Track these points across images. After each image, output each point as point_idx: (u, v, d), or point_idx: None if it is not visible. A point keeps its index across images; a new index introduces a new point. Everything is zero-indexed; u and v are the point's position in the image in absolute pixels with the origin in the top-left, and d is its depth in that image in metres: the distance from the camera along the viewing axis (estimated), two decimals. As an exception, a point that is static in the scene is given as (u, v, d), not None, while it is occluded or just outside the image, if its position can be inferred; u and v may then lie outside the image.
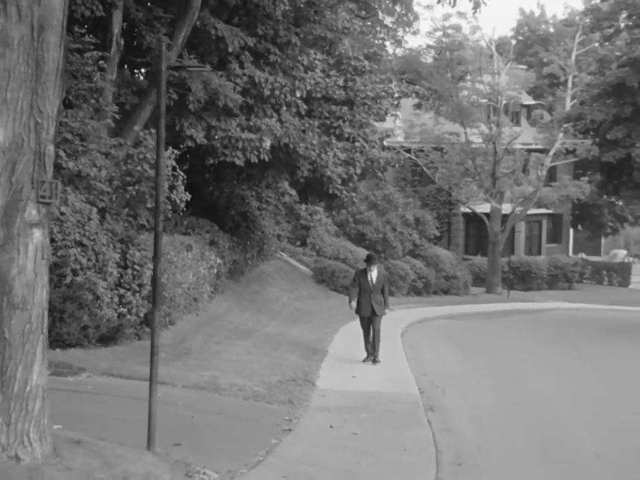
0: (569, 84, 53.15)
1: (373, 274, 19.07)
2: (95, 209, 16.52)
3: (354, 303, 19.14)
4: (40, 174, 7.78)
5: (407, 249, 46.50)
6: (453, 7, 19.26)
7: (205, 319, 22.60)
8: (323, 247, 41.50)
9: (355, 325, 21.33)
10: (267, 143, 24.49)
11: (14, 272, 7.62)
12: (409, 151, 51.76)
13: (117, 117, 19.89)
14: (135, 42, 24.00)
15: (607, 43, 42.28)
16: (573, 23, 57.13)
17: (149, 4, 23.64)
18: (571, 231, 73.18)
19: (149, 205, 17.78)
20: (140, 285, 17.40)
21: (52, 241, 15.24)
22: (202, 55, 24.20)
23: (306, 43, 26.73)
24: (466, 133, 50.31)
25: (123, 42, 22.32)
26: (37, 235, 7.76)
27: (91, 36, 19.40)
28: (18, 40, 7.56)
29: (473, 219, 58.11)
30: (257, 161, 24.53)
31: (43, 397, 7.86)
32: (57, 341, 15.10)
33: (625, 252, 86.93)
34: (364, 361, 18.96)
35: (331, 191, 28.10)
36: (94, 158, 17.68)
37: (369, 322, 19.08)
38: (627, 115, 35.43)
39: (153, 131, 18.84)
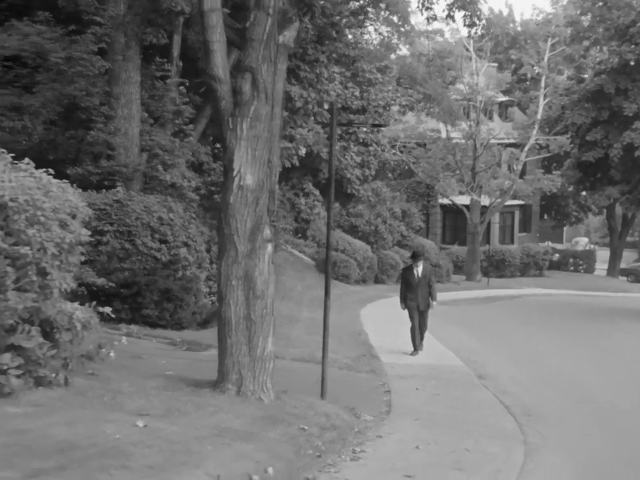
0: (542, 84, 56.94)
1: (419, 269, 19.84)
2: (193, 215, 19.92)
3: (403, 305, 20.05)
4: (271, 205, 11.26)
5: (395, 240, 50.00)
6: (448, 23, 22.63)
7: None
8: (323, 239, 44.89)
9: (370, 309, 24.68)
10: (302, 151, 27.95)
11: (256, 273, 11.10)
12: (393, 146, 55.29)
13: (192, 133, 23.21)
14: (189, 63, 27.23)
15: (583, 52, 46.02)
16: (546, 26, 60.80)
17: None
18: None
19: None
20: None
21: (166, 242, 18.64)
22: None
23: (330, 59, 30.15)
24: (447, 131, 54.00)
25: (181, 64, 25.57)
26: (269, 247, 11.26)
27: (170, 64, 22.71)
28: (264, 115, 10.99)
29: (449, 211, 61.86)
30: (290, 166, 27.87)
31: (272, 359, 11.35)
32: (176, 324, 18.47)
33: (586, 240, 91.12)
34: (412, 354, 19.81)
35: (349, 191, 31.59)
36: (182, 170, 21.03)
37: (418, 315, 19.89)
38: (604, 118, 39.26)
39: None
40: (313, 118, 29.10)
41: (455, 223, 63.62)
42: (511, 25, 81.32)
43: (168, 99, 22.14)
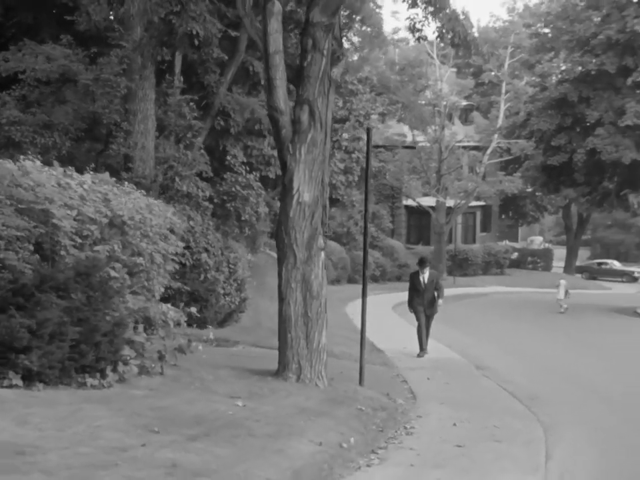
0: (503, 89, 59.30)
1: (425, 275, 20.66)
2: (211, 222, 21.67)
3: (411, 308, 21.03)
4: (324, 218, 13.09)
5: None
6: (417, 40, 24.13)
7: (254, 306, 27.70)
8: (298, 241, 46.68)
9: (354, 308, 26.68)
10: (295, 160, 29.67)
11: (312, 277, 12.94)
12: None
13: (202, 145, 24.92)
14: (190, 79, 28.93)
15: (547, 60, 48.34)
16: (506, 34, 63.26)
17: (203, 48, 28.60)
18: (495, 219, 79.71)
19: (243, 218, 22.92)
20: (235, 280, 22.57)
21: (189, 247, 20.37)
22: (235, 83, 29.20)
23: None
24: (413, 135, 56.17)
25: (182, 79, 27.24)
26: (322, 254, 13.10)
27: (180, 80, 24.42)
28: (320, 141, 12.83)
29: (414, 212, 63.95)
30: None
31: (326, 351, 13.19)
32: (202, 322, 20.18)
33: (541, 238, 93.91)
34: (418, 355, 20.67)
35: (334, 196, 33.43)
36: (195, 180, 22.76)
37: (424, 318, 20.71)
38: (567, 124, 41.49)
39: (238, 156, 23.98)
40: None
41: (419, 224, 65.72)
42: (469, 32, 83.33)
43: (177, 113, 23.80)
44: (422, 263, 21.21)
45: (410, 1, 22.33)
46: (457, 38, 22.93)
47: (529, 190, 66.99)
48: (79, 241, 10.37)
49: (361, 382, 14.51)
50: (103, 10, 22.27)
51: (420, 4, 22.42)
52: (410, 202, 61.37)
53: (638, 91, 40.00)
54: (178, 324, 11.85)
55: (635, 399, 16.19)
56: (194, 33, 22.29)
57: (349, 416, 11.48)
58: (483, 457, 10.42)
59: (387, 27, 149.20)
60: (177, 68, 27.08)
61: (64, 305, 9.52)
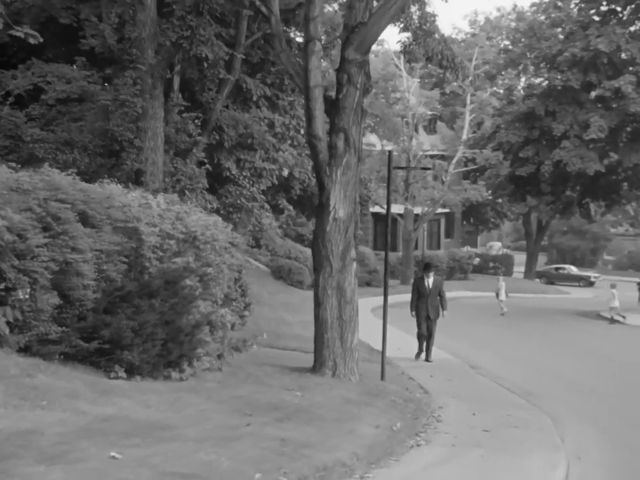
0: (468, 101, 61.33)
1: (430, 280, 21.29)
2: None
3: (414, 313, 21.52)
4: (356, 232, 14.79)
5: (338, 247, 53.66)
6: (409, 62, 25.90)
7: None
8: (275, 248, 48.38)
9: None
10: (285, 172, 31.40)
11: (346, 284, 14.66)
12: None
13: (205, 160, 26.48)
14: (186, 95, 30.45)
15: (514, 75, 50.54)
16: (469, 47, 65.29)
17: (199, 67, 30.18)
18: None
19: (248, 228, 24.54)
20: (240, 286, 24.13)
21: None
22: (229, 99, 30.79)
23: (306, 89, 33.67)
24: (382, 145, 58.04)
25: (180, 96, 28.77)
26: (354, 264, 14.85)
27: (179, 97, 26.00)
28: (353, 165, 14.55)
29: (380, 218, 65.77)
30: (270, 185, 31.29)
31: (357, 350, 14.89)
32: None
33: (499, 244, 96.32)
34: (416, 357, 21.56)
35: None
36: (202, 194, 24.34)
37: (426, 324, 21.28)
38: (535, 137, 43.67)
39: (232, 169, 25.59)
40: (289, 142, 32.52)
41: (385, 231, 67.28)
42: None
43: (183, 130, 25.37)
44: (427, 267, 21.92)
45: (401, 26, 24.15)
46: (446, 61, 24.64)
47: (490, 197, 69.22)
48: (160, 254, 11.98)
49: (382, 377, 16.24)
50: (117, 34, 23.70)
51: (410, 28, 24.17)
52: (377, 209, 63.15)
53: (600, 105, 42.16)
54: (233, 326, 13.48)
55: (615, 390, 18.38)
56: (203, 55, 23.90)
57: (387, 406, 13.18)
58: (509, 438, 12.16)
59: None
60: (176, 85, 28.61)
61: (159, 309, 11.14)
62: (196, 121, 25.95)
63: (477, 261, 74.61)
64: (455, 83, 64.01)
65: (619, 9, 42.80)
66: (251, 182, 28.27)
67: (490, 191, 62.64)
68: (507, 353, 25.06)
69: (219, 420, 9.71)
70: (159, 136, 24.59)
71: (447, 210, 68.14)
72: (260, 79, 31.83)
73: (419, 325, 21.44)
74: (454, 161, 60.08)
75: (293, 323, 28.99)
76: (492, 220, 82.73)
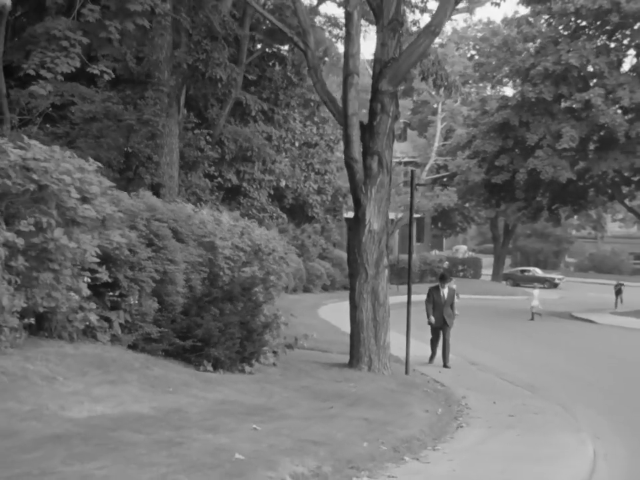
0: (439, 109, 63.70)
1: (445, 290, 21.76)
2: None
3: (432, 317, 21.72)
4: (387, 242, 16.70)
5: (317, 253, 55.53)
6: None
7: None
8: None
9: (327, 314, 30.35)
10: (283, 183, 33.27)
11: (379, 289, 16.57)
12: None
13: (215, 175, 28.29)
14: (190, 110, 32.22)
15: (490, 87, 52.89)
16: (442, 58, 67.69)
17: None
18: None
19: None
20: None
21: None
22: (231, 114, 32.60)
23: (300, 104, 35.61)
24: (358, 152, 60.06)
25: (185, 111, 30.54)
26: (386, 271, 16.76)
27: (184, 114, 27.80)
28: (386, 183, 16.45)
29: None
30: (267, 195, 33.12)
31: (389, 347, 16.79)
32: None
33: (465, 247, 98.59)
34: (430, 361, 21.97)
35: (310, 214, 36.99)
36: (217, 206, 26.11)
37: (441, 331, 21.79)
38: (509, 146, 45.91)
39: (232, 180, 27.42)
40: (284, 154, 34.44)
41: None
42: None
43: (195, 146, 27.18)
44: (443, 278, 22.55)
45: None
46: (440, 80, 26.47)
47: (458, 202, 71.51)
48: (232, 264, 13.82)
49: (407, 372, 18.13)
50: (140, 60, 25.45)
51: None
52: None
53: (569, 115, 44.36)
54: (285, 325, 15.35)
55: (609, 382, 20.28)
56: (217, 77, 25.71)
57: (423, 395, 15.11)
58: (533, 422, 14.07)
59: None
60: (182, 102, 30.38)
61: (239, 312, 12.99)
62: (207, 137, 27.71)
63: (446, 264, 76.67)
64: (425, 92, 66.56)
65: (584, 23, 45.26)
66: (259, 193, 29.92)
67: (459, 197, 64.85)
68: (498, 350, 26.92)
69: (306, 404, 11.56)
70: (174, 151, 26.35)
71: (418, 215, 70.25)
72: (256, 93, 33.71)
73: (432, 332, 22.11)
74: (426, 167, 62.32)
75: (295, 324, 30.67)
76: (459, 224, 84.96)
